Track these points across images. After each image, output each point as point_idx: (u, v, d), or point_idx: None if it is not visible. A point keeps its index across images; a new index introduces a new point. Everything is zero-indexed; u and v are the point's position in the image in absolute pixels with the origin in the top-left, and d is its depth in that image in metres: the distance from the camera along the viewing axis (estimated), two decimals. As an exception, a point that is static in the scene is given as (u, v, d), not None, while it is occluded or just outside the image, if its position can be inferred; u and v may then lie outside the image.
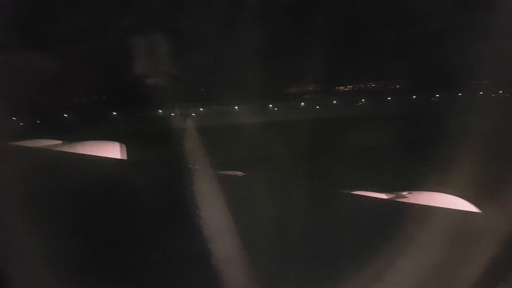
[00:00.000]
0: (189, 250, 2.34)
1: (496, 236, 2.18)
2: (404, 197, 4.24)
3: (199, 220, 2.56)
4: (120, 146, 5.38)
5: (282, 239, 2.47)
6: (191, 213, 2.71)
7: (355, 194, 4.30)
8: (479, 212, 3.57)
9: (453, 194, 4.02)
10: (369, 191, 4.44)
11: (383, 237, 2.43)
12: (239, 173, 5.16)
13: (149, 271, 2.16)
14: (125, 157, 5.14)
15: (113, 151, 5.28)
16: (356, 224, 2.92)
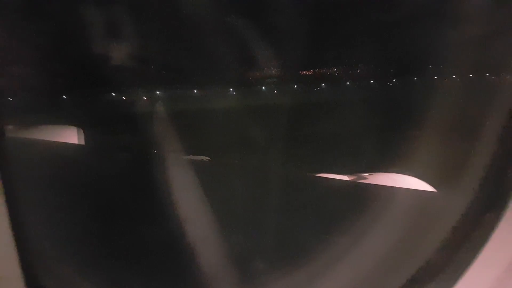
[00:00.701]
0: (156, 236, 2.28)
1: (451, 215, 2.28)
2: (364, 178, 4.39)
3: (163, 206, 2.49)
4: (75, 131, 5.13)
5: (250, 221, 2.49)
6: (154, 200, 2.63)
7: (318, 176, 4.41)
8: (435, 191, 3.77)
9: (410, 175, 4.20)
10: (332, 173, 4.56)
11: (346, 216, 2.50)
12: (203, 158, 5.10)
13: (117, 259, 2.09)
14: (82, 143, 4.91)
15: (66, 136, 5.03)
16: (320, 204, 2.98)
